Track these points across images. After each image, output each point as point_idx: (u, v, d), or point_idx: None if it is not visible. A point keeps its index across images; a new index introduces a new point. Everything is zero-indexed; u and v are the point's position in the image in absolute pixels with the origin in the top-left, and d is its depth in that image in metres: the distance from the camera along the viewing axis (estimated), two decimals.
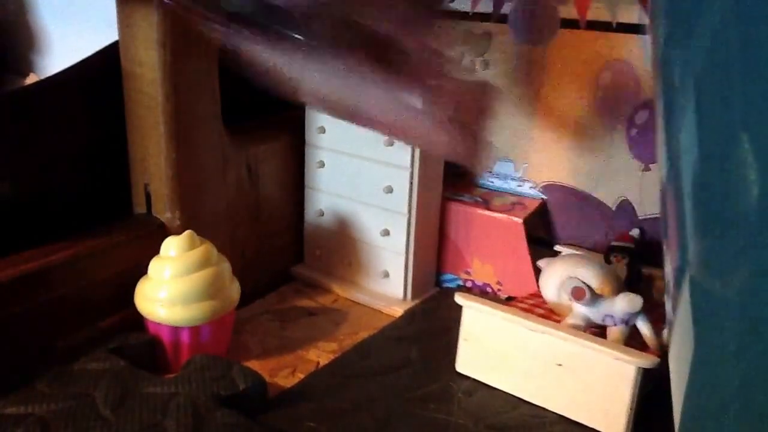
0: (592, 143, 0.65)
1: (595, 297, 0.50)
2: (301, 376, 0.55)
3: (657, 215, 0.63)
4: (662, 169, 0.33)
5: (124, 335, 0.54)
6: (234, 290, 0.56)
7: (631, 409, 0.47)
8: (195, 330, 0.54)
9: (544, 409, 0.51)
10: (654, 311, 0.57)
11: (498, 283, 0.68)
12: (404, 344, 0.59)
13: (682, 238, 0.32)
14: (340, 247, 0.69)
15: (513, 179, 0.70)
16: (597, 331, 0.51)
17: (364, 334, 0.61)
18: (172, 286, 0.53)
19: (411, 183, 0.63)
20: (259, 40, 0.38)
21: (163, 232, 0.59)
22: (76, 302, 0.54)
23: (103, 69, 0.58)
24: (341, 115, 0.43)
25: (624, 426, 0.47)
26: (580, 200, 0.67)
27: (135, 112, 0.58)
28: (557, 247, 0.67)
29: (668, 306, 0.36)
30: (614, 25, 0.61)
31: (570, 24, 0.63)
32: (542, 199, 0.69)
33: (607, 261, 0.61)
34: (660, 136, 0.33)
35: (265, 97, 0.42)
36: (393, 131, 0.47)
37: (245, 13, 0.37)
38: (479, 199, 0.69)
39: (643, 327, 0.51)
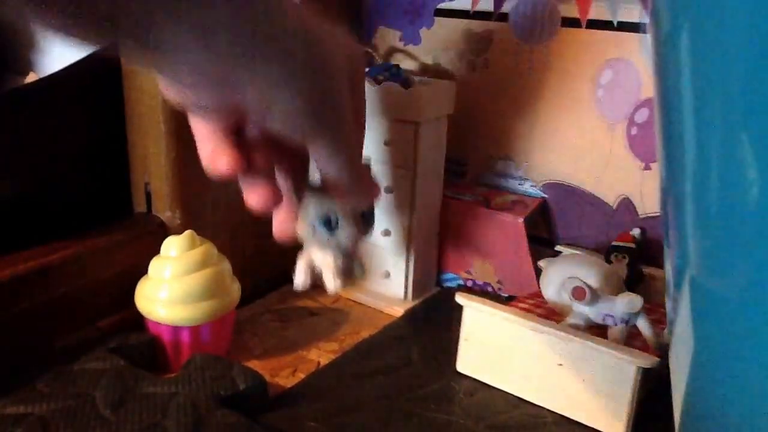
0: (592, 142, 0.65)
1: (596, 297, 0.50)
2: (302, 376, 0.55)
3: (658, 214, 0.63)
4: (662, 169, 0.33)
5: (124, 335, 0.54)
6: (234, 290, 0.56)
7: (631, 408, 0.47)
8: (195, 330, 0.54)
9: (544, 408, 0.51)
10: (654, 311, 0.57)
11: (498, 282, 0.68)
12: (405, 344, 0.59)
13: (682, 238, 0.31)
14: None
15: (514, 178, 0.70)
16: (597, 331, 0.51)
17: (364, 334, 0.61)
18: (172, 286, 0.53)
19: (412, 182, 0.63)
20: None
21: (164, 231, 0.59)
22: (76, 301, 0.54)
23: (103, 68, 0.58)
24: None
25: (624, 426, 0.47)
26: (581, 199, 0.67)
27: (135, 111, 0.58)
28: (558, 247, 0.67)
29: (668, 306, 0.36)
30: (615, 23, 0.61)
31: (571, 23, 0.63)
32: (543, 197, 0.69)
33: (608, 261, 0.61)
34: (660, 136, 0.33)
35: None
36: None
37: None
38: (480, 198, 0.68)
39: (644, 327, 0.50)
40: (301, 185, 0.41)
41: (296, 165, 0.36)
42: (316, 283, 0.58)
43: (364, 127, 0.35)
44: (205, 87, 0.27)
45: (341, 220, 0.49)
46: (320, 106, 0.29)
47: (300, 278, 0.52)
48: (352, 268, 0.53)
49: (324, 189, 0.43)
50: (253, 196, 0.34)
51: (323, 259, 0.52)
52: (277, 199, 0.34)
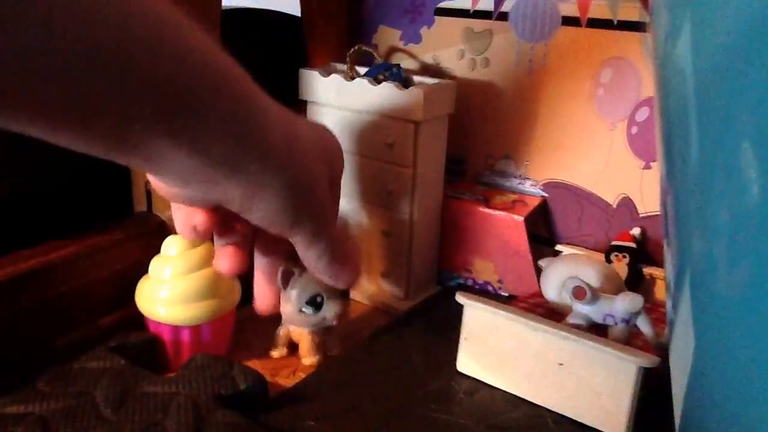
0: (593, 141, 0.65)
1: (596, 296, 0.50)
2: (302, 375, 0.55)
3: (658, 213, 0.63)
4: (662, 168, 0.33)
5: (124, 334, 0.54)
6: (235, 289, 0.56)
7: (631, 408, 0.47)
8: (195, 329, 0.54)
9: (544, 408, 0.50)
10: (654, 311, 0.57)
11: (499, 281, 0.68)
12: (405, 343, 0.59)
13: (682, 237, 0.31)
14: None
15: (514, 177, 0.70)
16: (598, 330, 0.51)
17: (364, 334, 0.61)
18: (172, 286, 0.53)
19: (412, 182, 0.63)
20: None
21: (164, 230, 0.59)
22: (77, 300, 0.54)
23: None
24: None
25: (625, 425, 0.47)
26: (581, 198, 0.67)
27: None
28: (558, 247, 0.67)
29: (668, 306, 0.36)
30: (615, 22, 0.61)
31: (571, 21, 0.63)
32: (543, 196, 0.69)
33: (608, 260, 0.61)
34: (660, 135, 0.33)
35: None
36: None
37: None
38: (480, 197, 0.68)
39: (644, 326, 0.50)
40: (286, 263, 0.42)
41: (281, 246, 0.37)
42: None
43: (337, 212, 0.37)
44: (191, 186, 0.28)
45: (326, 298, 0.53)
46: (299, 202, 0.31)
47: (278, 351, 0.57)
48: (330, 343, 0.57)
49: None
50: (221, 261, 0.35)
51: (302, 335, 0.55)
52: (243, 266, 0.36)
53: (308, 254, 0.34)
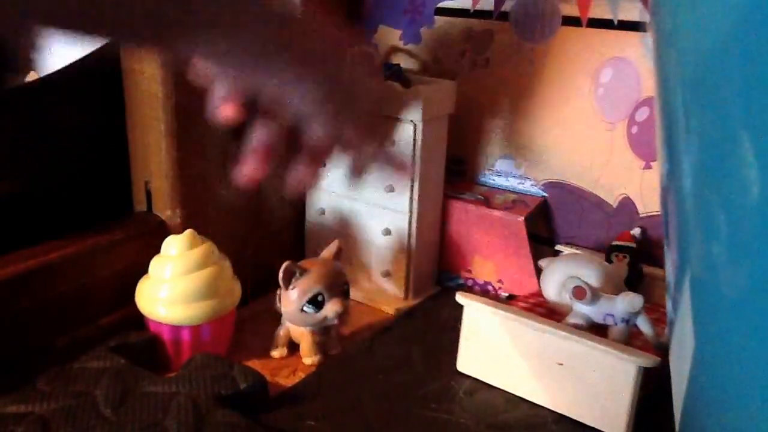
0: (593, 141, 0.65)
1: (596, 296, 0.50)
2: (302, 375, 0.55)
3: (658, 213, 0.63)
4: (662, 169, 0.33)
5: (124, 333, 0.54)
6: (235, 289, 0.56)
7: (631, 408, 0.47)
8: (196, 329, 0.54)
9: (544, 408, 0.50)
10: (654, 311, 0.57)
11: (499, 281, 0.68)
12: (405, 343, 0.59)
13: (682, 237, 0.31)
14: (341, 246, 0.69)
15: (514, 177, 0.70)
16: (598, 330, 0.51)
17: (365, 334, 0.61)
18: (172, 285, 0.53)
19: (412, 182, 0.63)
20: None
21: (164, 229, 0.59)
22: (77, 300, 0.54)
23: (103, 66, 0.58)
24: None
25: (624, 425, 0.47)
26: (582, 198, 0.67)
27: (136, 110, 0.58)
28: (558, 247, 0.67)
29: (668, 306, 0.36)
30: (615, 22, 0.61)
31: (571, 21, 0.63)
32: (543, 196, 0.69)
33: (608, 260, 0.61)
34: (660, 135, 0.33)
35: None
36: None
37: None
38: (480, 197, 0.68)
39: (644, 326, 0.50)
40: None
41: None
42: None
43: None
44: (228, 68, 0.32)
45: (327, 298, 0.53)
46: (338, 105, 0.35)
47: (278, 351, 0.58)
48: (330, 343, 0.57)
49: (310, 270, 0.47)
50: (244, 166, 0.36)
51: (303, 334, 0.56)
52: (260, 176, 0.36)
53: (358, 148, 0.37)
